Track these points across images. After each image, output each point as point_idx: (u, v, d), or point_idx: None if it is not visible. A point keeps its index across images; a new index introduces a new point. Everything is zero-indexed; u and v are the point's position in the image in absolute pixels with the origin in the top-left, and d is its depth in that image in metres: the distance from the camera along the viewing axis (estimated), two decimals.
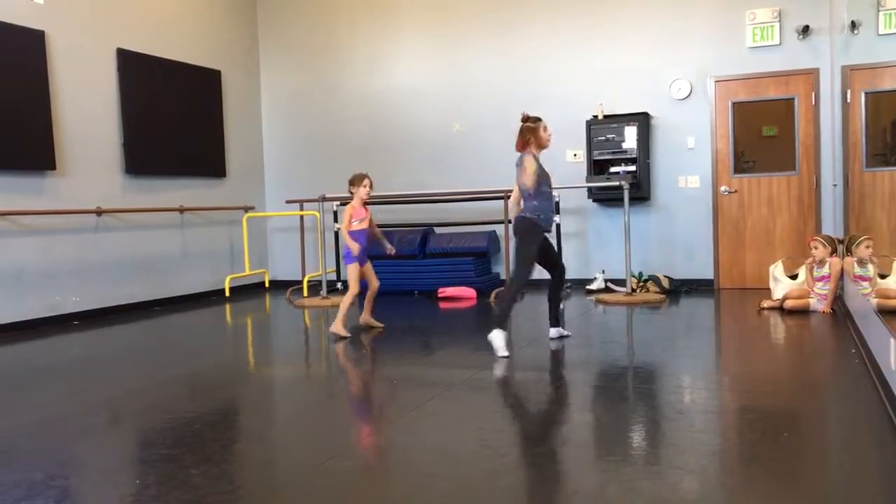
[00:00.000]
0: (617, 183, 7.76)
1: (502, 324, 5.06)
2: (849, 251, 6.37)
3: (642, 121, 8.11)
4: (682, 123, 8.17)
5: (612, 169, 8.20)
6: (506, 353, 4.95)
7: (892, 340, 3.61)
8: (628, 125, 8.12)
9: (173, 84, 8.53)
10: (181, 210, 8.62)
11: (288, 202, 9.24)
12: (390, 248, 6.45)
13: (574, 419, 3.74)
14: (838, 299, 6.56)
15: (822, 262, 6.45)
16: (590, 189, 8.24)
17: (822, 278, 6.43)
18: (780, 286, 6.80)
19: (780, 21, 7.75)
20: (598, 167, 8.26)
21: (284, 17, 9.86)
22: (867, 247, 6.08)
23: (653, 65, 8.23)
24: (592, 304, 7.45)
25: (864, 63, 7.31)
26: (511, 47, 8.81)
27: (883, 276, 6.00)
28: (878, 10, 6.87)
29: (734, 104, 8.00)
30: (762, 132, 8.11)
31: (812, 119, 7.71)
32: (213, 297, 8.92)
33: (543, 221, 5.21)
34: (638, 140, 8.07)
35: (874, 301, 5.51)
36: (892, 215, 6.72)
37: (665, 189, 8.28)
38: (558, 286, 5.52)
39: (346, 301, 6.10)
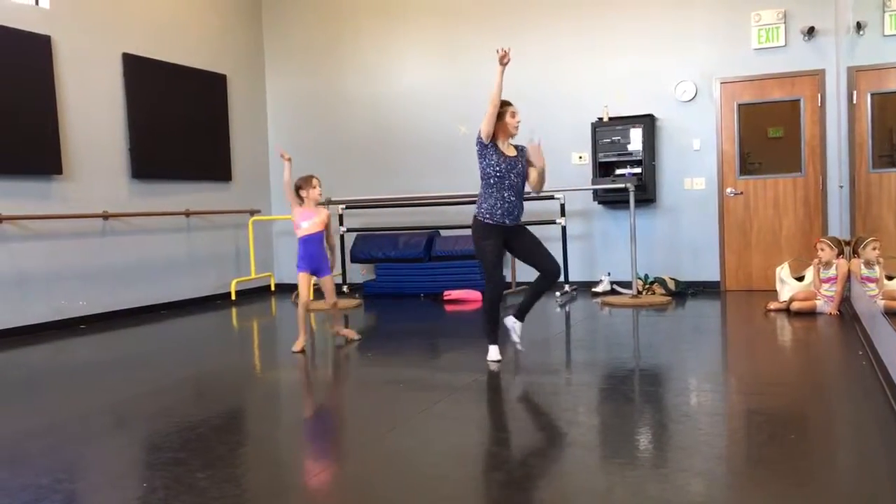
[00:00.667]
0: (622, 185, 7.75)
1: (492, 339, 4.93)
2: (855, 253, 6.35)
3: (648, 123, 8.09)
4: (688, 125, 8.15)
5: (618, 171, 8.19)
6: (497, 358, 4.88)
7: None
8: (633, 127, 8.11)
9: (179, 88, 8.56)
10: (187, 214, 8.64)
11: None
12: (330, 270, 5.86)
13: (580, 421, 3.73)
14: (845, 301, 6.53)
15: (828, 264, 6.43)
16: (595, 191, 8.23)
17: (828, 280, 6.41)
18: (787, 288, 6.78)
19: (785, 22, 7.73)
20: (603, 169, 8.25)
21: (289, 20, 9.88)
22: (874, 248, 6.07)
23: (658, 67, 8.21)
24: (598, 306, 7.43)
25: (870, 64, 7.29)
26: (516, 50, 8.78)
27: (890, 278, 5.99)
28: (884, 11, 6.86)
29: (740, 106, 7.98)
30: (768, 134, 8.09)
31: (818, 120, 7.69)
32: (218, 301, 8.93)
33: (499, 217, 4.86)
34: (643, 142, 8.06)
35: (881, 303, 5.49)
36: None
37: (671, 191, 8.26)
38: (544, 283, 4.94)
39: (297, 314, 5.72)
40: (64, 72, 7.27)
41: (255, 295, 9.50)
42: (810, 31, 7.59)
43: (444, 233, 8.96)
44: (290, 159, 5.82)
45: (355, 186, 9.32)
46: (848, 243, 6.66)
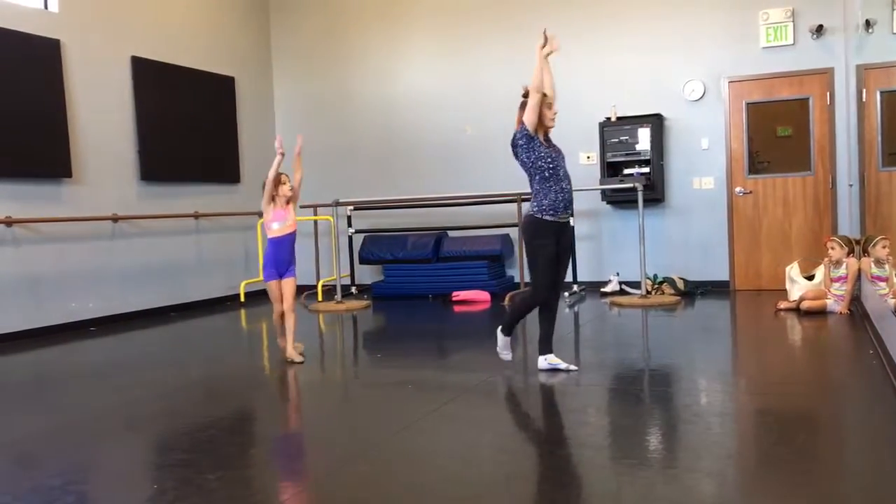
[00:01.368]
0: (631, 185, 7.73)
1: (508, 332, 4.74)
2: (865, 251, 6.33)
3: (656, 122, 8.08)
4: (696, 125, 8.13)
5: (626, 171, 8.17)
6: (509, 357, 4.80)
7: None
8: (642, 127, 8.09)
9: (187, 91, 8.59)
10: (196, 216, 8.66)
11: (302, 207, 9.23)
12: (295, 273, 5.52)
13: (590, 422, 3.72)
14: (855, 300, 6.50)
15: (838, 263, 6.40)
16: (603, 191, 8.22)
17: (838, 279, 6.38)
18: (797, 287, 6.75)
19: (793, 21, 7.70)
20: (611, 169, 8.23)
21: (297, 23, 9.90)
22: (884, 247, 6.04)
23: (666, 66, 8.19)
24: (607, 307, 7.42)
25: (879, 62, 7.27)
26: (522, 51, 8.77)
27: None
28: (893, 9, 6.83)
29: (748, 105, 7.95)
30: (777, 132, 8.06)
31: (827, 119, 7.65)
32: (228, 303, 8.95)
33: (562, 210, 4.55)
34: (651, 142, 8.05)
35: (892, 301, 5.47)
36: None
37: (679, 190, 8.24)
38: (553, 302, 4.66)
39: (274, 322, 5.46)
40: (73, 75, 7.31)
41: (264, 297, 9.43)
42: (819, 30, 7.56)
43: (451, 234, 8.96)
44: (283, 154, 5.49)
45: (363, 188, 9.33)
46: (858, 242, 6.63)
